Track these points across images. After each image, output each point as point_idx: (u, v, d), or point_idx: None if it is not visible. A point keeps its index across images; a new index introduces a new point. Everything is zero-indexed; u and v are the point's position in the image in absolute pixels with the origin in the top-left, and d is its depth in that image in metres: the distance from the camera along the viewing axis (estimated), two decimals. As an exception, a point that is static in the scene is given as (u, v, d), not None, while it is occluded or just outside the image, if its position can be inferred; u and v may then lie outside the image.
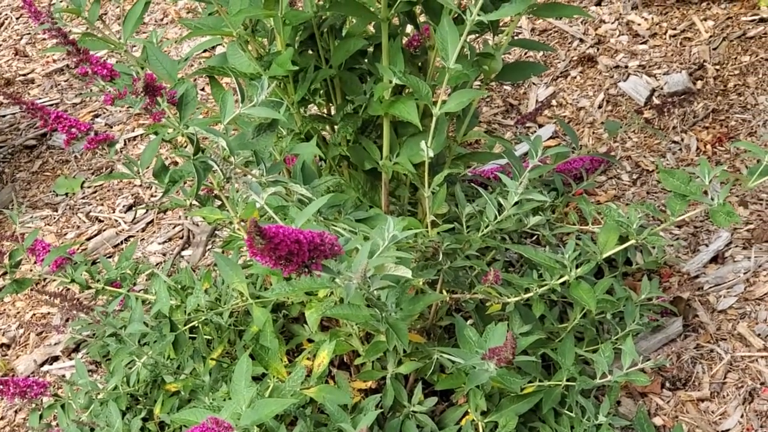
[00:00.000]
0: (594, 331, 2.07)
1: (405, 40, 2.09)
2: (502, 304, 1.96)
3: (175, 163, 2.92)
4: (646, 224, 2.19)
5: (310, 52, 1.97)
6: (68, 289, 2.65)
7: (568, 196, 2.28)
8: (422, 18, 2.04)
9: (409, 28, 2.11)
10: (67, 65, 3.57)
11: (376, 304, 1.61)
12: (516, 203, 1.89)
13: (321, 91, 2.06)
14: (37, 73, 3.56)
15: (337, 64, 1.92)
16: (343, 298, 1.71)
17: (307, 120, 1.94)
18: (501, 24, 2.08)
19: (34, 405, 2.21)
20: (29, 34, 3.81)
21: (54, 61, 3.60)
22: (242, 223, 2.17)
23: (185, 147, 2.04)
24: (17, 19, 3.91)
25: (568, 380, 1.93)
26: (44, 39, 3.77)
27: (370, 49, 2.03)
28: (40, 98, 3.41)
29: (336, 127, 1.97)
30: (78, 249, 2.68)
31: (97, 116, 3.23)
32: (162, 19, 3.67)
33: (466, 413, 1.97)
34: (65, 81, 3.46)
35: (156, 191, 2.90)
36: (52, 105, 3.35)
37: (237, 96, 1.63)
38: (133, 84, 1.58)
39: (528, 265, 2.15)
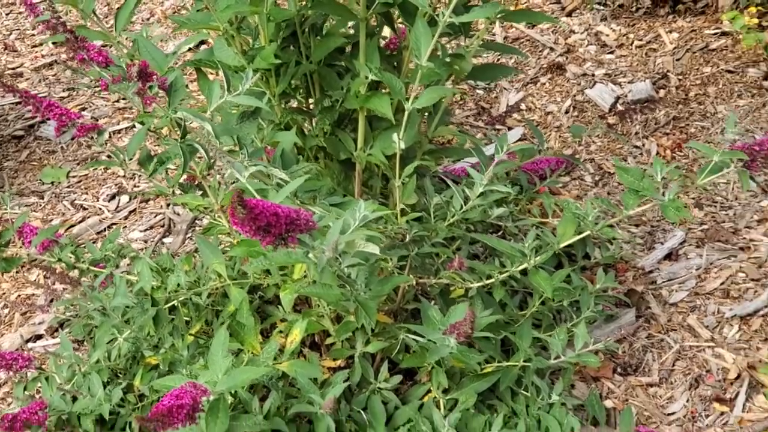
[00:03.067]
0: (551, 318, 2.20)
1: (383, 42, 2.22)
2: (465, 290, 2.09)
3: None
4: (604, 219, 2.33)
5: (292, 48, 2.10)
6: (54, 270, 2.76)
7: (532, 192, 2.42)
8: (399, 21, 2.16)
9: (387, 31, 2.24)
10: (56, 61, 3.69)
11: (346, 281, 1.73)
12: (481, 194, 2.02)
13: (301, 88, 2.18)
14: (25, 68, 3.67)
15: (317, 60, 2.05)
16: (316, 277, 1.84)
17: (287, 112, 2.07)
18: (473, 28, 2.20)
19: (19, 378, 2.32)
20: (18, 29, 3.92)
21: (42, 56, 3.71)
22: (223, 210, 2.29)
23: (170, 136, 2.17)
24: (7, 15, 4.02)
25: (524, 361, 2.06)
26: (33, 35, 3.88)
27: (349, 48, 2.16)
28: (24, 104, 3.51)
29: (314, 119, 2.10)
30: (63, 233, 2.79)
31: (83, 109, 3.35)
32: (149, 19, 3.79)
33: (429, 391, 2.09)
34: (53, 75, 3.58)
35: (139, 182, 3.02)
36: (42, 97, 3.45)
37: (223, 86, 1.76)
38: (127, 70, 1.70)
39: (491, 255, 2.28)
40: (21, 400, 2.26)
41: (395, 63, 2.18)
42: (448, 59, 2.09)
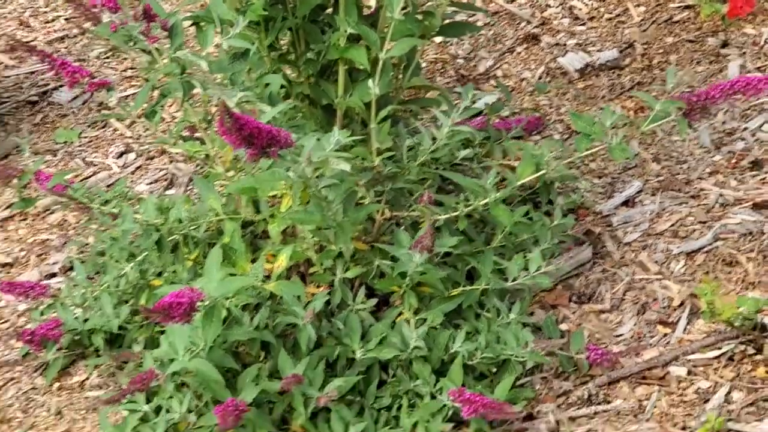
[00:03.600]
0: (513, 251, 2.45)
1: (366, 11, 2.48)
2: (433, 222, 2.34)
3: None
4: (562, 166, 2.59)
5: (280, 6, 2.36)
6: (65, 220, 3.02)
7: (499, 141, 2.68)
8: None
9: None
10: (67, 35, 3.95)
11: (323, 201, 1.99)
12: (449, 135, 2.29)
13: (287, 43, 2.44)
14: (39, 41, 3.93)
15: (302, 16, 2.31)
16: (297, 201, 2.11)
17: (275, 62, 2.33)
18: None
19: (35, 304, 2.59)
20: (32, 7, 4.18)
21: (54, 31, 3.97)
22: (220, 157, 2.55)
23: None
24: (22, -7, 4.29)
25: (486, 285, 2.32)
26: (46, 12, 4.14)
27: (331, 8, 2.42)
28: (40, 63, 3.78)
29: (299, 69, 2.37)
30: (75, 181, 3.05)
31: (92, 77, 3.60)
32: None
33: (401, 313, 2.35)
34: (65, 48, 3.84)
35: (144, 141, 3.28)
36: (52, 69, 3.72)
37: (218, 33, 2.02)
38: (133, 12, 1.95)
39: (458, 193, 2.53)
40: (37, 322, 2.52)
41: (372, 23, 2.43)
42: (419, 16, 2.35)
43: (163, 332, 2.40)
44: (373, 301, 2.34)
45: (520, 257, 2.30)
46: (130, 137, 3.33)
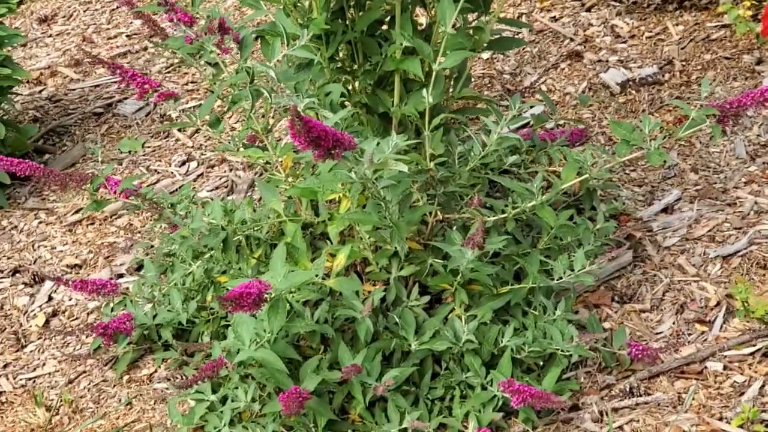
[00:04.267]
0: (557, 252, 2.58)
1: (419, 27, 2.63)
2: (483, 221, 2.49)
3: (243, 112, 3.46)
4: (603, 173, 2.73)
5: (339, 21, 2.51)
6: (131, 224, 3.19)
7: (544, 150, 2.82)
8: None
9: (423, 20, 2.65)
10: (129, 50, 4.13)
11: (381, 201, 2.14)
12: (497, 141, 2.43)
13: (346, 55, 2.59)
14: (102, 56, 4.12)
15: (360, 30, 2.47)
16: (359, 202, 2.26)
17: (334, 72, 2.49)
18: (491, 6, 2.59)
19: (106, 301, 2.75)
20: (95, 24, 4.38)
21: (117, 47, 4.16)
22: (280, 162, 2.70)
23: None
24: (84, 11, 4.48)
25: (533, 284, 2.46)
26: (108, 29, 4.33)
27: (387, 23, 2.57)
28: (103, 76, 3.97)
29: (357, 80, 2.52)
30: (142, 185, 3.22)
31: (155, 91, 3.78)
32: None
33: (452, 310, 2.49)
34: (127, 63, 4.02)
35: (205, 151, 3.45)
36: (114, 83, 3.91)
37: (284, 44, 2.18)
38: (209, 24, 2.11)
39: (506, 197, 2.68)
40: (108, 317, 2.68)
41: (425, 37, 2.58)
42: (470, 31, 2.50)
43: (227, 326, 2.57)
44: (426, 298, 2.47)
45: (564, 257, 2.43)
46: (192, 147, 3.49)
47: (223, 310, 2.30)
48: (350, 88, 2.59)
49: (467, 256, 2.25)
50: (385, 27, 2.57)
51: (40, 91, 3.92)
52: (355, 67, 2.55)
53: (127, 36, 4.24)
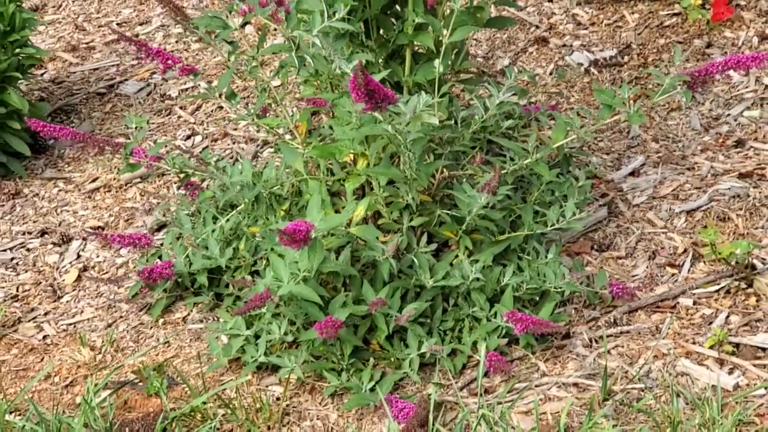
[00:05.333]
0: (547, 205, 2.94)
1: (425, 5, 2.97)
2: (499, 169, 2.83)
3: (245, 89, 3.78)
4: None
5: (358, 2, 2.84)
6: (146, 191, 3.49)
7: (532, 117, 3.18)
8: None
9: None
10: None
11: (407, 151, 2.47)
12: (498, 107, 2.78)
13: (363, 34, 2.92)
14: (96, 43, 4.40)
15: (377, 8, 2.80)
16: (390, 149, 2.59)
17: (355, 46, 2.82)
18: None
19: (141, 253, 3.05)
20: (84, 13, 4.66)
21: (109, 34, 4.44)
22: (297, 128, 3.02)
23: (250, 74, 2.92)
24: (73, 2, 4.75)
25: (529, 231, 2.81)
26: (98, 17, 4.61)
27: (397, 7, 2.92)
28: (101, 60, 4.26)
29: (374, 53, 2.86)
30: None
31: (153, 73, 4.09)
32: None
33: (457, 256, 2.84)
34: (122, 48, 4.31)
35: (207, 126, 3.76)
36: (113, 66, 4.20)
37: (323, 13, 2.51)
38: (267, -3, 2.43)
39: (504, 156, 3.03)
40: (141, 263, 2.99)
41: (432, 14, 2.92)
42: (472, 9, 2.86)
43: (256, 272, 2.89)
44: (433, 246, 2.81)
45: (556, 208, 2.79)
46: (194, 123, 3.80)
47: (274, 240, 2.60)
48: (366, 60, 2.92)
49: (480, 201, 2.60)
50: (397, 7, 2.91)
51: (42, 74, 4.19)
52: (371, 42, 2.88)
53: (117, 24, 4.52)
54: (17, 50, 3.53)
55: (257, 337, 2.74)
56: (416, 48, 2.87)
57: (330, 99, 2.76)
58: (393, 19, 2.88)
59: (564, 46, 3.96)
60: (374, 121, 2.53)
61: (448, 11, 2.76)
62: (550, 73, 3.83)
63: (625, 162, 3.35)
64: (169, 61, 3.04)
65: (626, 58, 3.84)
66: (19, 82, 3.67)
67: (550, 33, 4.05)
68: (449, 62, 2.88)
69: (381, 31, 2.88)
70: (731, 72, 3.69)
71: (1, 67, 3.43)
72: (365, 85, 2.14)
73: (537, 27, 4.10)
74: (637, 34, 3.94)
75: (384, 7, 2.83)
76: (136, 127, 3.47)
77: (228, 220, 2.94)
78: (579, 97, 3.68)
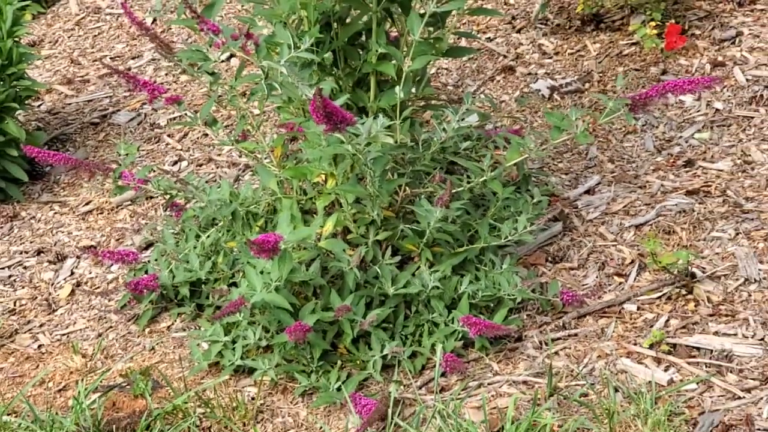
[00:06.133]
0: (503, 220, 3.18)
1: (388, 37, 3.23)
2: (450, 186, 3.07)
3: (228, 116, 4.03)
4: (539, 160, 3.35)
5: (326, 33, 3.10)
6: (136, 212, 3.74)
7: (490, 140, 3.43)
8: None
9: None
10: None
11: (368, 169, 2.72)
12: (455, 129, 3.03)
13: (331, 64, 3.17)
14: (91, 76, 4.67)
15: (343, 39, 3.06)
16: (352, 169, 2.84)
17: (323, 74, 3.07)
18: (447, 20, 3.19)
19: (129, 268, 3.30)
20: (79, 48, 4.92)
21: (104, 67, 4.70)
22: (272, 151, 3.27)
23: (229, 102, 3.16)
24: (68, 37, 5.02)
25: (484, 244, 3.05)
26: (92, 52, 4.87)
27: (364, 35, 3.17)
28: (94, 93, 4.52)
29: (341, 81, 3.11)
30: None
31: (144, 104, 4.34)
32: (225, 15, 4.80)
33: (419, 267, 3.07)
34: (115, 81, 4.57)
35: (193, 152, 4.01)
36: (106, 98, 4.46)
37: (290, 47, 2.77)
38: (239, 31, 2.69)
39: (462, 175, 3.27)
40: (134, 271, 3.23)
41: (395, 46, 3.18)
42: (431, 40, 3.11)
43: (234, 284, 3.13)
44: (397, 258, 3.05)
45: (510, 222, 3.03)
46: (181, 149, 4.05)
47: (248, 253, 2.84)
48: (334, 87, 3.17)
49: (436, 214, 2.84)
50: (363, 38, 3.16)
51: (39, 106, 4.45)
52: (338, 71, 3.13)
53: (110, 58, 4.78)
54: (14, 82, 3.79)
55: (234, 342, 2.98)
56: (381, 76, 3.13)
57: (298, 122, 3.01)
58: (359, 50, 3.14)
59: (529, 74, 4.22)
60: (339, 142, 2.77)
61: (410, 41, 3.02)
62: (515, 100, 4.07)
63: (582, 181, 3.59)
64: (156, 92, 3.28)
65: (587, 85, 4.09)
66: (17, 112, 3.92)
67: (516, 62, 4.30)
68: (411, 89, 3.13)
69: (348, 61, 3.13)
70: (684, 97, 3.95)
71: (0, 99, 3.69)
72: (323, 108, 2.39)
73: (505, 56, 4.35)
74: (598, 62, 4.20)
75: (350, 38, 3.08)
76: (126, 154, 3.72)
77: (208, 236, 3.18)
78: (542, 121, 3.92)
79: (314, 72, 3.06)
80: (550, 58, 4.30)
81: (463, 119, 3.10)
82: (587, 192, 3.55)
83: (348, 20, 3.11)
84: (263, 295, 2.81)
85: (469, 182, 3.07)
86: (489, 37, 4.47)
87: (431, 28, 3.16)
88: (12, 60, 3.74)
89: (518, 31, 4.50)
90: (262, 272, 2.87)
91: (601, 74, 4.13)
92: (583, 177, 3.62)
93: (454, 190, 3.04)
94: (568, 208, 3.45)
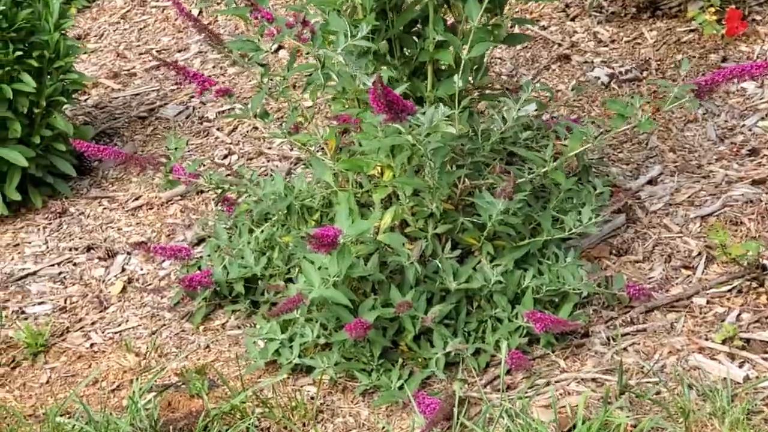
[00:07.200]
0: (565, 212, 3.08)
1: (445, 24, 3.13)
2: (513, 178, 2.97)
3: (278, 109, 3.95)
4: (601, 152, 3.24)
5: (381, 21, 3.01)
6: (186, 207, 3.67)
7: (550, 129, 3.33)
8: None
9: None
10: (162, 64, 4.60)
11: (428, 159, 2.63)
12: (515, 119, 2.94)
13: (386, 53, 3.08)
14: (137, 69, 4.61)
15: (399, 27, 2.97)
16: (412, 160, 2.75)
17: (379, 63, 2.99)
18: (504, 8, 3.10)
19: (181, 264, 3.23)
20: (125, 42, 4.87)
21: (150, 60, 4.64)
22: (327, 144, 3.19)
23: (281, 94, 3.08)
24: (114, 31, 4.97)
25: (547, 236, 2.96)
26: (138, 45, 4.82)
27: (420, 23, 3.08)
28: (141, 86, 4.45)
29: (397, 70, 3.02)
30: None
31: (192, 97, 4.28)
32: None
33: (479, 261, 2.98)
34: (162, 74, 4.51)
35: (243, 145, 3.94)
36: (153, 92, 4.40)
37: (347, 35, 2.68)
38: (295, 18, 2.60)
39: (521, 165, 3.18)
40: (180, 273, 3.16)
41: (452, 33, 3.08)
42: (489, 27, 3.02)
43: (290, 280, 3.06)
44: (458, 252, 2.96)
45: (573, 214, 2.93)
46: (230, 143, 3.98)
47: (305, 248, 2.76)
48: (390, 77, 3.09)
49: (498, 206, 2.75)
50: (418, 26, 3.07)
51: (86, 100, 4.39)
52: (394, 60, 3.04)
53: (156, 51, 4.72)
54: (62, 76, 3.73)
55: (291, 340, 2.90)
56: (438, 65, 3.04)
57: (355, 114, 2.92)
58: (415, 38, 3.05)
59: (585, 62, 4.11)
60: (397, 132, 2.68)
61: (468, 29, 2.92)
62: (572, 89, 3.97)
63: (644, 171, 3.48)
64: (206, 84, 3.20)
65: (645, 73, 3.98)
66: (65, 106, 3.86)
67: (572, 51, 4.20)
68: (469, 78, 3.03)
69: (404, 50, 3.04)
70: (745, 84, 3.84)
71: (47, 92, 3.63)
72: (384, 97, 2.30)
73: (559, 45, 4.25)
74: (656, 50, 4.08)
75: (406, 26, 3.00)
76: (175, 148, 3.65)
77: (262, 231, 3.10)
78: (599, 110, 3.82)
79: (370, 61, 2.98)
80: (606, 46, 4.19)
81: (522, 108, 2.99)
82: (649, 182, 3.44)
83: (403, 7, 3.02)
84: (322, 291, 2.73)
85: (531, 173, 2.97)
86: (543, 26, 4.37)
87: (488, 14, 3.07)
88: (59, 53, 3.68)
89: (572, 19, 4.40)
90: (319, 268, 2.79)
91: (659, 62, 4.02)
92: (645, 167, 3.51)
93: (518, 180, 2.94)
94: (631, 199, 3.35)
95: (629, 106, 2.95)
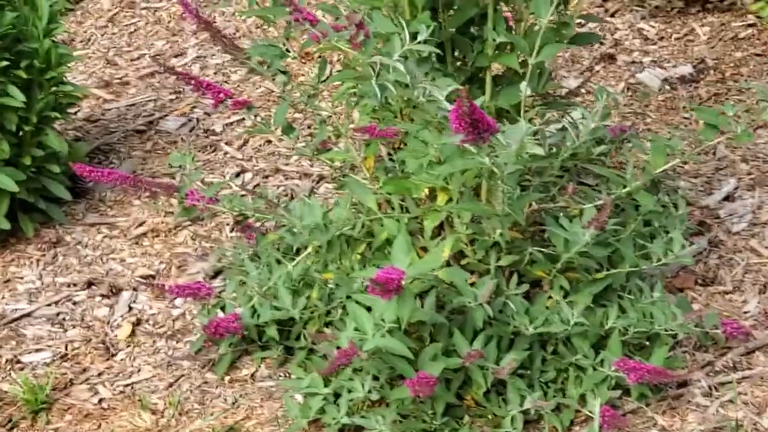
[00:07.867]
0: (645, 236, 2.67)
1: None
2: (579, 210, 2.57)
3: (293, 121, 3.54)
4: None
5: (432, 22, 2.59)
6: (198, 234, 3.24)
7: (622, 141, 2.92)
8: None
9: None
10: (156, 71, 4.17)
11: (504, 185, 2.21)
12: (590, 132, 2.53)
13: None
14: (130, 77, 4.16)
15: (453, 28, 2.55)
16: (492, 184, 2.34)
17: (432, 71, 2.57)
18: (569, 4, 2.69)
19: (202, 304, 2.80)
20: (114, 47, 4.42)
21: (143, 67, 4.20)
22: (364, 162, 2.77)
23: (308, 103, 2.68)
24: (102, 35, 4.52)
25: (630, 267, 2.55)
26: (129, 51, 4.37)
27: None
28: (136, 96, 4.02)
29: (450, 76, 2.60)
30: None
31: (194, 107, 3.84)
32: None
33: (550, 297, 2.57)
34: (157, 82, 4.07)
35: (257, 162, 3.51)
36: (150, 102, 3.96)
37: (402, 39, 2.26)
38: (347, 19, 2.18)
39: (594, 184, 2.77)
40: (205, 319, 2.72)
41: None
42: (555, 26, 2.61)
43: (329, 323, 2.63)
44: (525, 287, 2.55)
45: (660, 241, 2.53)
46: (242, 159, 3.55)
47: (350, 287, 2.36)
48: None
49: (585, 237, 2.34)
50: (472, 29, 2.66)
51: (76, 113, 3.93)
52: (445, 66, 2.63)
53: (150, 57, 4.28)
54: (54, 88, 3.28)
55: (337, 395, 2.49)
56: (496, 71, 2.63)
57: (407, 129, 2.50)
58: (471, 40, 2.63)
59: (633, 62, 3.71)
60: (460, 152, 2.27)
61: (535, 28, 2.51)
62: (622, 92, 3.57)
63: (717, 186, 3.09)
64: (221, 95, 2.78)
65: (702, 74, 3.58)
66: (57, 122, 3.41)
67: (616, 49, 3.80)
68: (533, 85, 2.62)
69: (455, 53, 2.63)
70: (818, 84, 3.45)
71: (38, 107, 3.17)
72: (470, 115, 1.89)
73: (601, 43, 3.85)
74: (711, 47, 3.69)
75: (460, 27, 2.58)
76: (180, 166, 3.22)
77: (296, 265, 2.67)
78: (656, 116, 3.42)
79: (432, 69, 2.55)
80: (654, 44, 3.79)
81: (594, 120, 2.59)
82: (726, 198, 3.05)
83: (457, 5, 2.60)
84: (377, 341, 2.31)
85: (609, 193, 2.55)
86: (580, 22, 3.95)
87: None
88: (50, 63, 3.23)
89: (612, 15, 3.99)
90: (368, 309, 2.38)
91: (716, 61, 3.62)
92: (717, 180, 3.11)
93: (593, 204, 2.53)
94: (710, 219, 2.95)
95: (722, 115, 2.54)
